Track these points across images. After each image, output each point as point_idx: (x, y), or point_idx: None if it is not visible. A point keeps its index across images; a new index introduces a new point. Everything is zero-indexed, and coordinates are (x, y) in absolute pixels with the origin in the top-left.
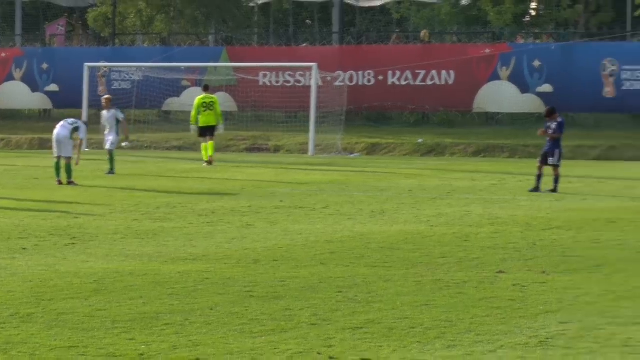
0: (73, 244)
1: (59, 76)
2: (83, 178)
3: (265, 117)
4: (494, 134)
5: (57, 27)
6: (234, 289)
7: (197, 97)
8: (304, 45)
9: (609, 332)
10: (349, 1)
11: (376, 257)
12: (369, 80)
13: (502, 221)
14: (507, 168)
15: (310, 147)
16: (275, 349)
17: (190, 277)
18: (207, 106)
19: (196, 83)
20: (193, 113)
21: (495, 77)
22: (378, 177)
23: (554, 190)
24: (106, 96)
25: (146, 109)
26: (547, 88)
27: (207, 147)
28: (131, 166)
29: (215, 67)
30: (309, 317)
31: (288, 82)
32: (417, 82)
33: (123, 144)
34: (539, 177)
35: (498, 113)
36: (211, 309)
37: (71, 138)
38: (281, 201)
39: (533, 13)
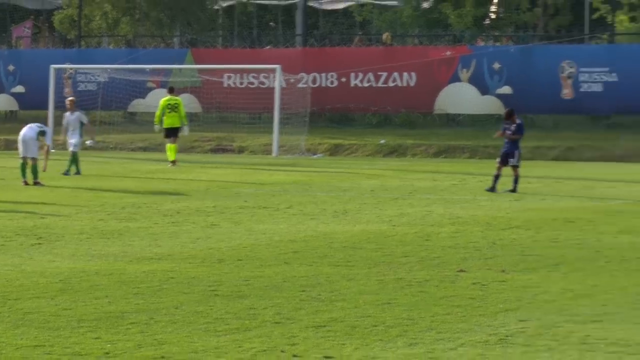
0: (39, 244)
1: (25, 78)
2: (49, 179)
3: (229, 118)
4: (454, 135)
5: (24, 29)
6: (198, 288)
7: (163, 98)
8: (268, 47)
9: (567, 330)
10: (312, 4)
11: (339, 257)
12: (331, 82)
13: (463, 221)
14: (468, 168)
15: (274, 148)
16: (239, 347)
17: (156, 276)
18: (171, 108)
19: (161, 84)
20: (157, 113)
21: (456, 79)
22: (341, 177)
23: (514, 191)
24: (70, 98)
25: (112, 110)
26: (506, 90)
27: (172, 148)
28: (97, 167)
29: (180, 69)
30: (273, 316)
31: (252, 83)
32: (379, 84)
33: (87, 142)
34: (497, 177)
35: (459, 114)
36: (176, 308)
37: (37, 139)
38: (245, 201)
39: (493, 16)
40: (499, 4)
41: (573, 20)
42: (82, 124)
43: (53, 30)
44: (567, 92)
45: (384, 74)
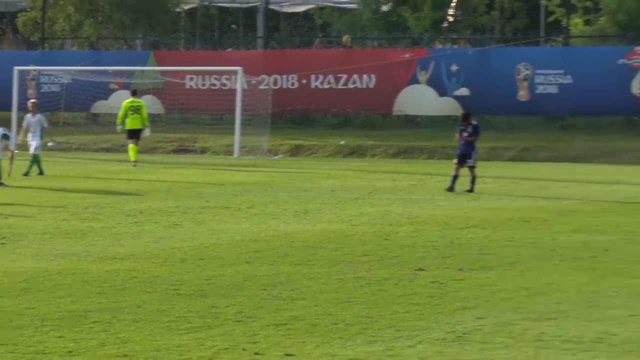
0: (2, 243)
1: None
2: (12, 179)
3: (192, 119)
4: (413, 136)
5: None
6: (161, 287)
7: (125, 100)
8: (230, 49)
9: (522, 327)
10: (273, 7)
11: (300, 256)
12: (292, 84)
13: (422, 220)
14: (426, 169)
15: (236, 148)
16: (201, 345)
17: (118, 275)
18: (134, 110)
19: (124, 86)
20: (120, 114)
21: (415, 81)
22: (302, 177)
23: (471, 191)
24: (32, 100)
25: (75, 111)
26: (464, 91)
27: (133, 149)
28: (60, 167)
29: (143, 71)
30: (235, 314)
31: (214, 85)
32: (340, 86)
33: (49, 144)
34: (455, 177)
35: (417, 116)
36: (139, 307)
37: (1, 141)
38: (207, 201)
39: (451, 19)
40: (456, 7)
41: (529, 23)
42: (42, 127)
43: (16, 33)
44: (523, 94)
45: (344, 76)
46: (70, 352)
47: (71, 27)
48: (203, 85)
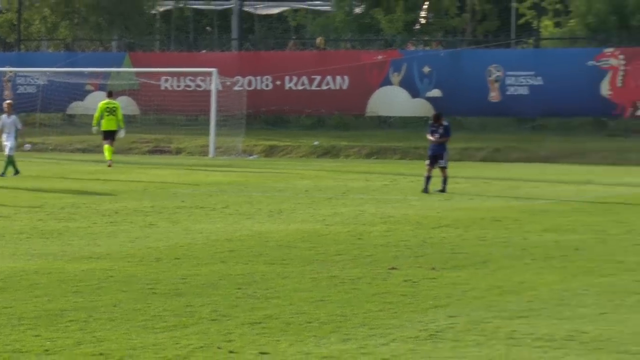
0: None
1: None
2: None
3: (167, 120)
4: (386, 137)
5: None
6: (136, 286)
7: (101, 101)
8: (204, 51)
9: (494, 325)
10: (247, 9)
11: (274, 255)
12: (267, 85)
13: (394, 220)
14: (399, 169)
15: (211, 149)
16: (177, 343)
17: (94, 275)
18: (110, 111)
19: (99, 87)
20: (96, 115)
21: (387, 82)
22: (276, 178)
23: (443, 191)
24: (8, 101)
25: (51, 112)
26: (436, 93)
27: (109, 149)
28: (36, 168)
29: (118, 72)
30: (210, 313)
31: (189, 86)
32: (313, 87)
33: (25, 146)
34: (428, 178)
35: (390, 117)
36: (115, 306)
37: None
38: (183, 201)
39: (423, 21)
40: (428, 10)
41: (500, 25)
42: (17, 128)
43: None
44: (494, 95)
45: (318, 78)
46: (46, 350)
47: (47, 29)
48: (178, 86)
